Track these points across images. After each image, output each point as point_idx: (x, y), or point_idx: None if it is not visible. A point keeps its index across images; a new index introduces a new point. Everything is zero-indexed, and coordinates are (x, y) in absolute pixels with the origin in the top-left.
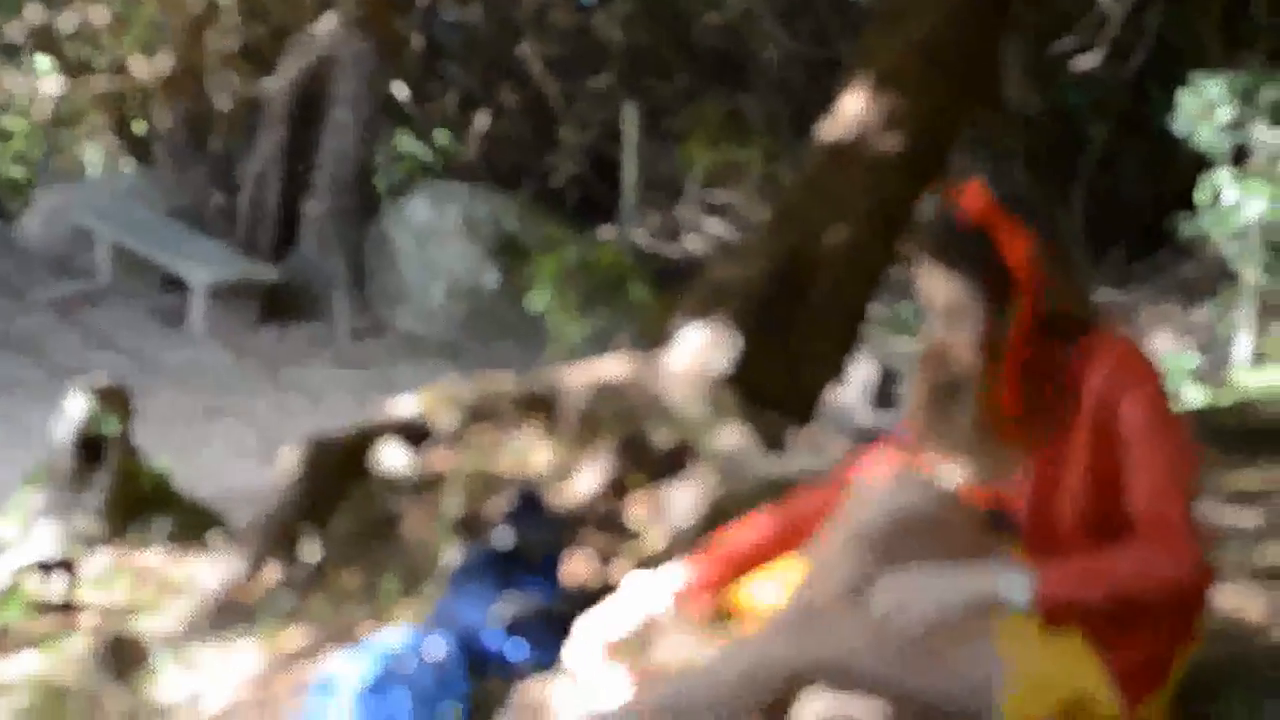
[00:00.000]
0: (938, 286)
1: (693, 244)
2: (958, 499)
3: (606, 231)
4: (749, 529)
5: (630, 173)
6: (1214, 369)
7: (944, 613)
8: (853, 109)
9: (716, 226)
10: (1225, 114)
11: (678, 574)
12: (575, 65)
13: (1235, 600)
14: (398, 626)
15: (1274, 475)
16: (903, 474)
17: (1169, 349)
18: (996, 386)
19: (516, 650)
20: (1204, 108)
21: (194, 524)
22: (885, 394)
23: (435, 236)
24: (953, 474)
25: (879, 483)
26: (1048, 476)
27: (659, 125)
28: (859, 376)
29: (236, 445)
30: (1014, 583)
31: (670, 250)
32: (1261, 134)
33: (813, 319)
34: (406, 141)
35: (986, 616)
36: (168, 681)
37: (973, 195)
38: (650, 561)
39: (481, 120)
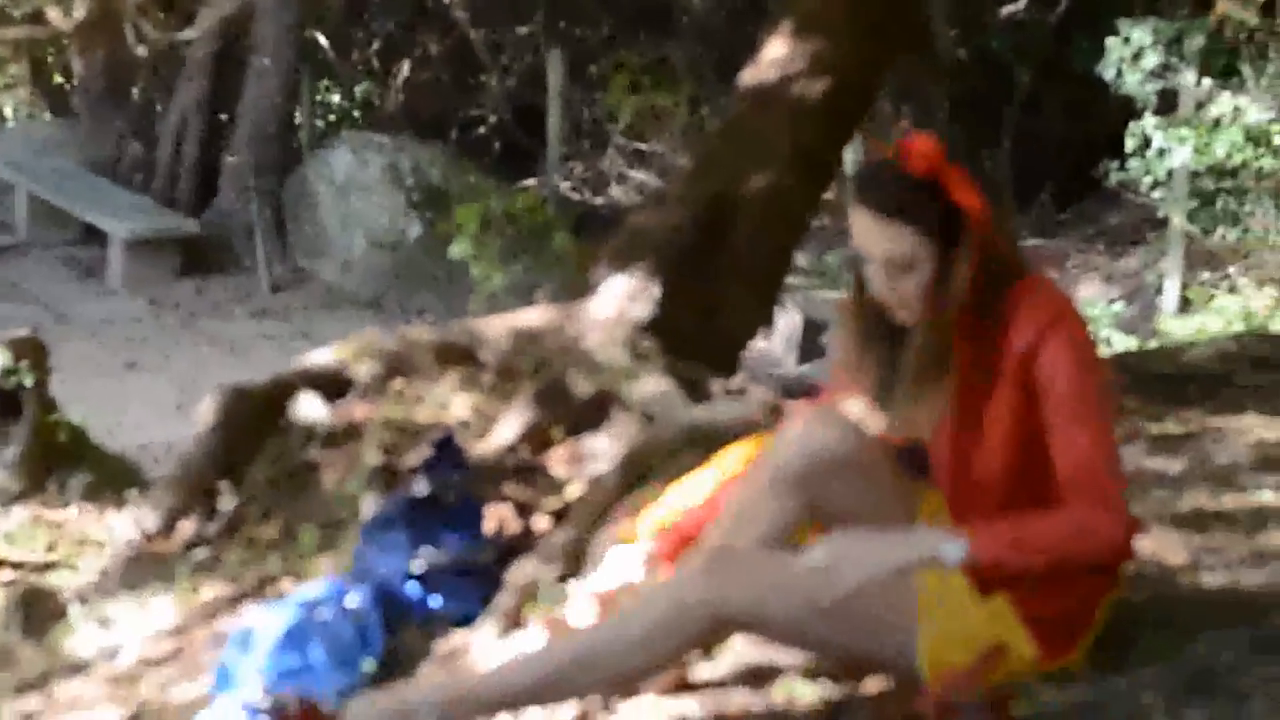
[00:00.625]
0: (884, 239)
1: (618, 193)
2: (876, 439)
3: (532, 181)
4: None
5: (555, 121)
6: (1141, 317)
7: (876, 576)
8: (776, 54)
9: (642, 175)
10: (1151, 60)
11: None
12: (499, 12)
13: (1157, 545)
14: (316, 579)
15: (1197, 420)
16: (820, 413)
17: (1096, 297)
18: (942, 332)
19: (434, 601)
20: (1130, 54)
21: (112, 478)
22: (810, 344)
23: (357, 187)
24: (875, 420)
25: (797, 423)
26: (970, 425)
27: (584, 73)
28: (784, 327)
29: (155, 398)
30: (950, 551)
31: (596, 199)
32: (1187, 81)
33: (734, 266)
34: (328, 91)
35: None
36: (84, 636)
37: (922, 147)
38: (570, 510)
39: (404, 69)
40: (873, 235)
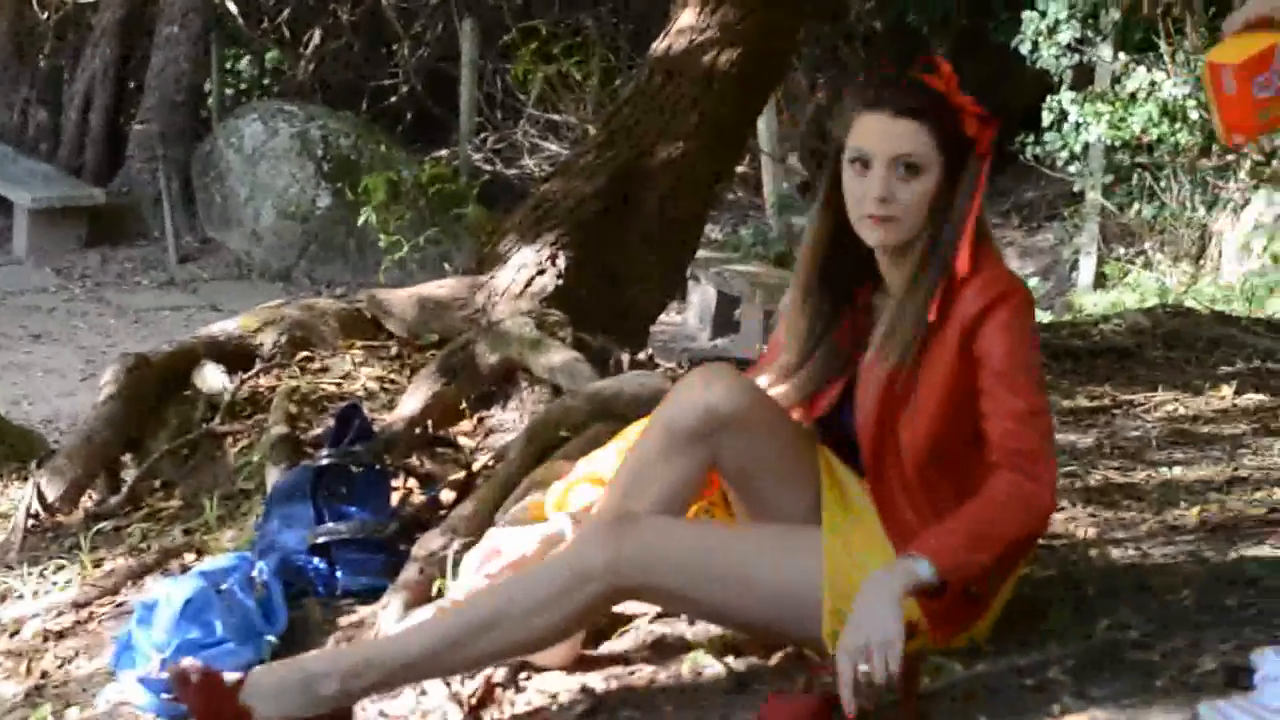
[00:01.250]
0: (897, 138)
1: (531, 164)
2: (765, 395)
3: (444, 152)
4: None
5: (467, 91)
6: (1057, 292)
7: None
8: (686, 23)
9: (555, 146)
10: (1067, 34)
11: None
12: None
13: (1067, 518)
14: (219, 552)
15: (1108, 393)
16: (711, 370)
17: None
18: (927, 297)
19: (339, 574)
20: (1046, 27)
21: (15, 449)
22: (724, 319)
23: (266, 157)
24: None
25: (688, 380)
26: (902, 385)
27: (497, 42)
28: (698, 301)
29: (60, 369)
30: (923, 572)
31: (508, 170)
32: (1104, 55)
33: (643, 237)
34: (237, 59)
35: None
36: None
37: (944, 68)
38: (475, 480)
39: (315, 37)
40: (885, 135)
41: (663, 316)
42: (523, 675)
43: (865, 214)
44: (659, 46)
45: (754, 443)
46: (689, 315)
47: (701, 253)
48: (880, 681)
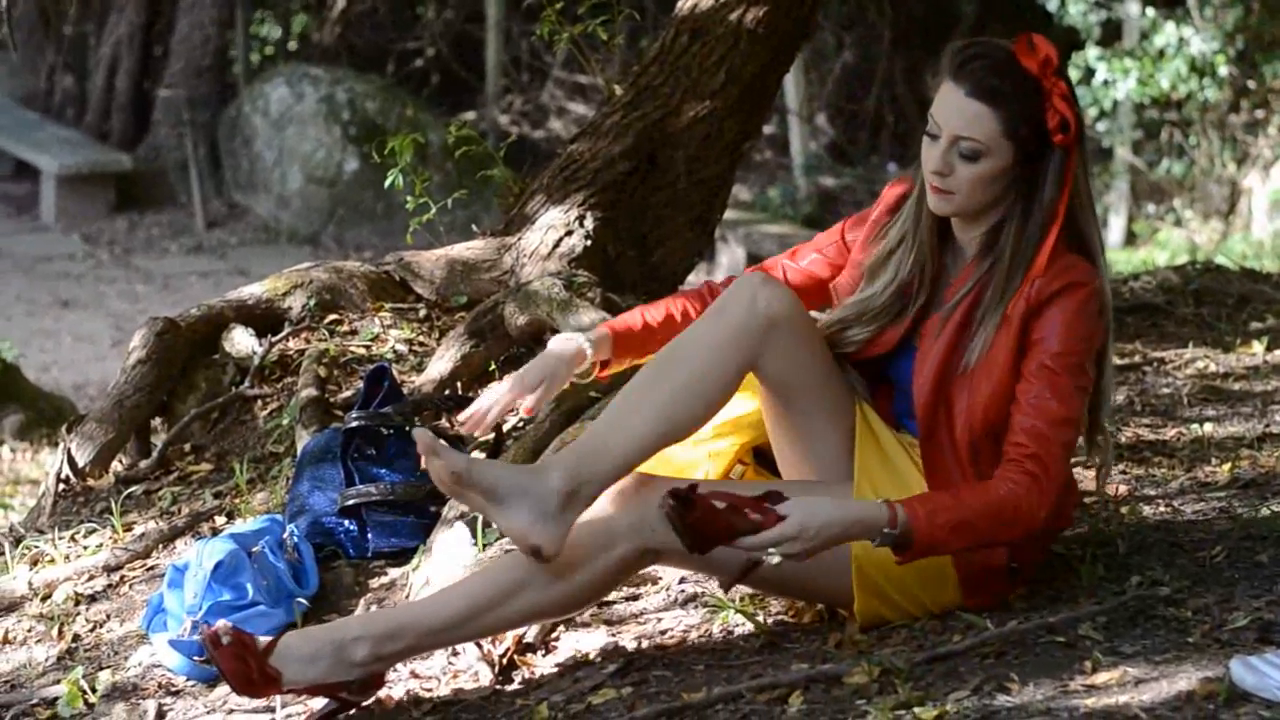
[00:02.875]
0: (963, 119)
1: (558, 126)
2: (810, 315)
3: (470, 115)
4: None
5: (494, 54)
6: None
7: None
8: None
9: (581, 108)
10: None
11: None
12: None
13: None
14: (250, 516)
15: (1139, 351)
16: (765, 277)
17: None
18: (1030, 241)
19: (369, 536)
20: None
21: (45, 415)
22: None
23: (293, 121)
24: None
25: (742, 281)
26: (959, 360)
27: (523, 4)
28: (727, 262)
29: (89, 336)
30: (888, 534)
31: (536, 132)
32: (1131, 11)
33: (671, 197)
34: (263, 24)
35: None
36: (17, 574)
37: (1043, 46)
38: (504, 442)
39: (340, 1)
40: (954, 111)
41: (692, 278)
42: (554, 635)
43: (927, 178)
44: (684, 5)
45: (798, 353)
46: (718, 276)
47: (730, 213)
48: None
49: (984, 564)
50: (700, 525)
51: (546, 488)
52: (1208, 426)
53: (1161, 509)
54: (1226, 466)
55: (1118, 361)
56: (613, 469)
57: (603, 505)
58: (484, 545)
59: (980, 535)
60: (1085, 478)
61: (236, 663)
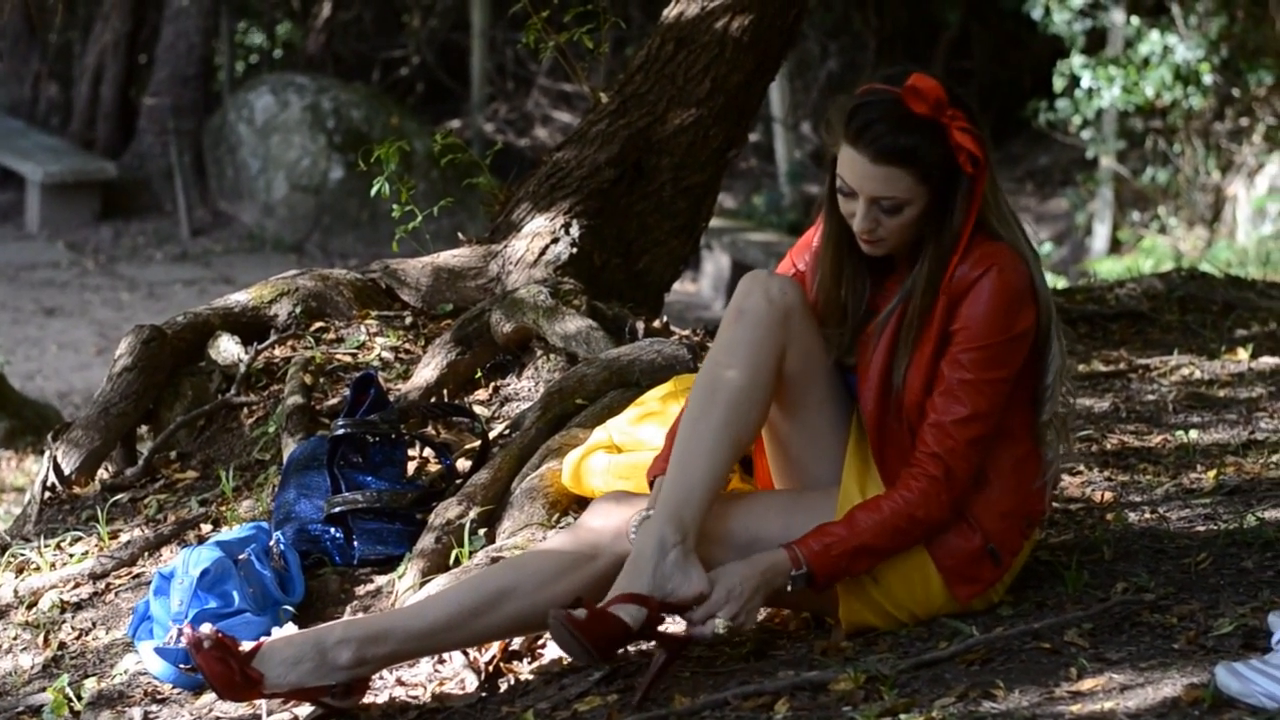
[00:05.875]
0: (876, 182)
1: (543, 134)
2: (804, 295)
3: (456, 123)
4: None
5: (479, 62)
6: (1071, 258)
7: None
8: None
9: (567, 116)
10: None
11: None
12: None
13: (1083, 482)
14: (237, 523)
15: (1124, 358)
16: (771, 274)
17: None
18: (933, 295)
19: (355, 544)
20: None
21: (30, 423)
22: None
23: (278, 129)
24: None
25: (749, 279)
26: (900, 360)
27: (508, 12)
28: (712, 269)
29: (74, 344)
30: (797, 579)
31: (521, 140)
32: (1116, 19)
33: (656, 205)
34: (248, 32)
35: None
36: (3, 582)
37: (926, 87)
38: (491, 449)
39: (325, 9)
40: (865, 177)
41: (677, 285)
42: (540, 642)
43: (855, 232)
44: (670, 14)
45: (813, 344)
46: (703, 284)
47: (715, 221)
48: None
49: (959, 552)
50: (593, 633)
51: (668, 553)
52: (1193, 433)
53: (1147, 515)
54: (1212, 473)
55: (1103, 369)
56: (705, 502)
57: (586, 518)
58: (469, 553)
59: (882, 551)
60: (1070, 483)
61: (219, 665)
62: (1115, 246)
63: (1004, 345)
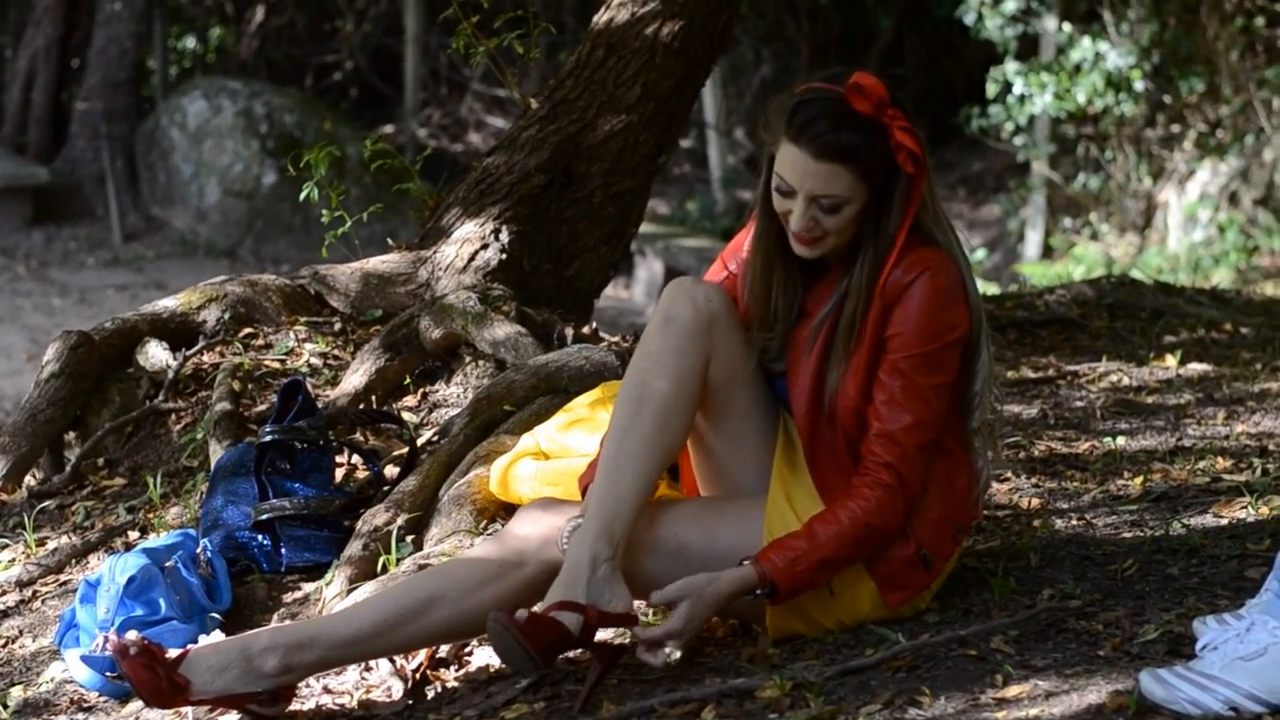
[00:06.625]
0: (816, 180)
1: (477, 139)
2: (729, 302)
3: (389, 128)
4: None
5: (412, 67)
6: (1004, 264)
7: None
8: None
9: (500, 121)
10: (1012, 5)
11: None
12: None
13: (1011, 489)
14: (164, 530)
15: (1052, 364)
16: (693, 280)
17: None
18: (868, 298)
19: (283, 551)
20: None
21: None
22: None
23: (211, 134)
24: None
25: (675, 285)
26: (835, 366)
27: (440, 18)
28: (645, 275)
29: (4, 349)
30: (760, 593)
31: (455, 146)
32: (1048, 26)
33: (586, 211)
34: (181, 37)
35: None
36: None
37: (868, 85)
38: (419, 456)
39: (258, 14)
40: (806, 174)
41: (610, 291)
42: (467, 650)
43: (791, 233)
44: (600, 19)
45: (737, 351)
46: (636, 290)
47: (648, 227)
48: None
49: (893, 559)
50: (535, 636)
51: (599, 568)
52: (1120, 440)
53: (1074, 522)
54: (1139, 480)
55: (1031, 376)
56: (635, 514)
57: (513, 525)
58: (396, 560)
59: (843, 562)
60: (998, 490)
61: (145, 672)
62: (1047, 253)
63: (941, 350)
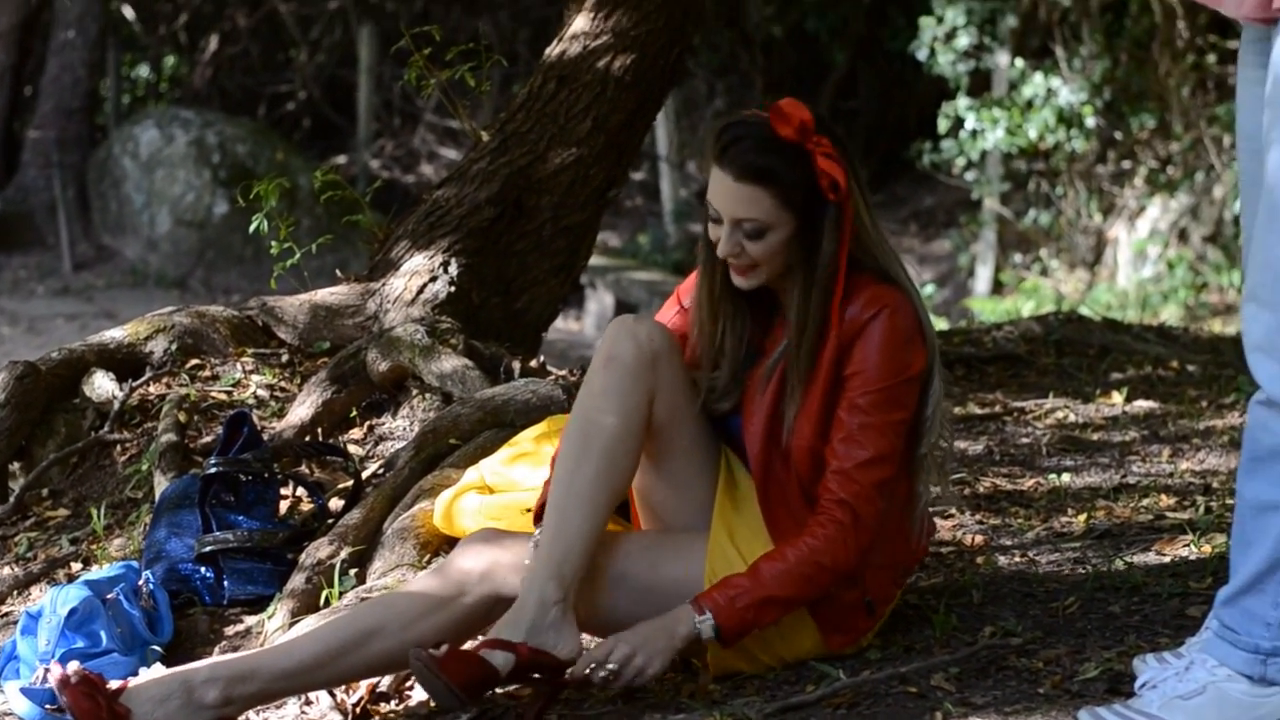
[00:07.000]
0: (738, 203)
1: (429, 171)
2: (672, 340)
3: (342, 159)
4: None
5: (365, 98)
6: (954, 299)
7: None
8: (579, 28)
9: (453, 153)
10: (964, 41)
11: None
12: None
13: (955, 525)
14: (108, 562)
15: (999, 400)
16: (635, 316)
17: None
18: (820, 339)
19: (226, 583)
20: (943, 34)
21: None
22: None
23: (163, 164)
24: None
25: (617, 323)
26: (788, 404)
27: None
28: (595, 308)
29: None
30: (705, 631)
31: (407, 177)
32: (1000, 62)
33: (536, 244)
34: (134, 65)
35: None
36: None
37: (792, 110)
38: (364, 489)
39: (212, 43)
40: (728, 197)
41: (560, 324)
42: (407, 684)
43: (720, 257)
44: (552, 52)
45: (680, 389)
46: (587, 323)
47: (599, 260)
48: (610, 684)
49: (837, 603)
50: (455, 673)
51: (548, 610)
52: (1065, 477)
53: (1017, 559)
54: (1082, 517)
55: (978, 411)
56: (585, 555)
57: (454, 558)
58: (339, 593)
59: (790, 600)
60: (942, 527)
61: (86, 703)
62: (998, 288)
63: (900, 386)
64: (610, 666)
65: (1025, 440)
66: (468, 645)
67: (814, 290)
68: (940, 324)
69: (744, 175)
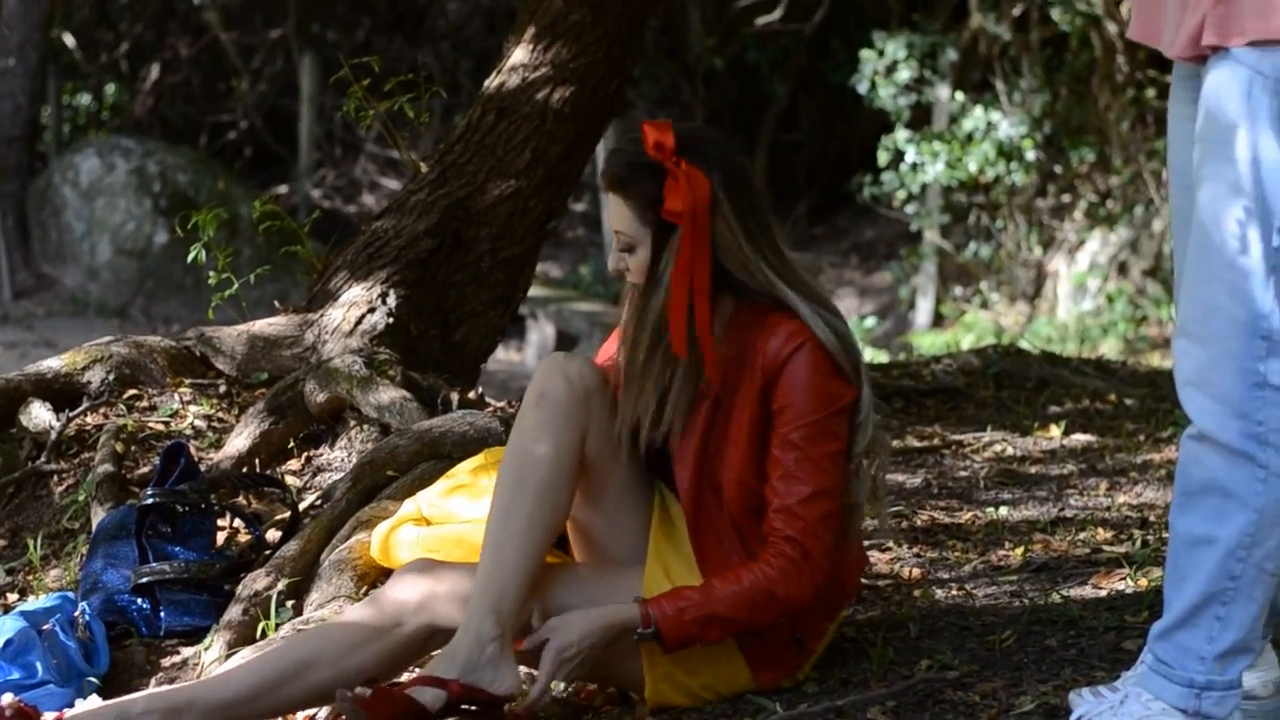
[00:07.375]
0: (611, 213)
1: (371, 201)
2: (603, 376)
3: (284, 188)
4: None
5: (307, 128)
6: (895, 332)
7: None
8: (518, 60)
9: (394, 183)
10: (905, 74)
11: None
12: (251, 14)
13: (892, 558)
14: (44, 593)
15: (937, 434)
16: (564, 354)
17: (849, 312)
18: (652, 318)
19: (162, 615)
20: (884, 67)
21: None
22: None
23: (104, 193)
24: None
25: (548, 361)
26: (716, 437)
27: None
28: (536, 339)
29: None
30: (643, 634)
31: (349, 207)
32: (941, 95)
33: (474, 276)
34: (75, 94)
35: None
36: None
37: (657, 131)
38: (301, 520)
39: (153, 72)
40: (608, 208)
41: (501, 355)
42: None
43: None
44: (491, 84)
45: (611, 427)
46: (528, 353)
47: (540, 291)
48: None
49: (767, 638)
50: (381, 713)
51: (485, 647)
52: (1003, 510)
53: (954, 592)
54: (1020, 550)
55: (916, 445)
56: (522, 591)
57: (389, 588)
58: (276, 625)
59: (735, 623)
60: (879, 560)
61: None
62: (938, 320)
63: (831, 418)
64: (543, 636)
65: (963, 473)
66: (404, 676)
67: (649, 306)
68: (881, 356)
69: (608, 183)
